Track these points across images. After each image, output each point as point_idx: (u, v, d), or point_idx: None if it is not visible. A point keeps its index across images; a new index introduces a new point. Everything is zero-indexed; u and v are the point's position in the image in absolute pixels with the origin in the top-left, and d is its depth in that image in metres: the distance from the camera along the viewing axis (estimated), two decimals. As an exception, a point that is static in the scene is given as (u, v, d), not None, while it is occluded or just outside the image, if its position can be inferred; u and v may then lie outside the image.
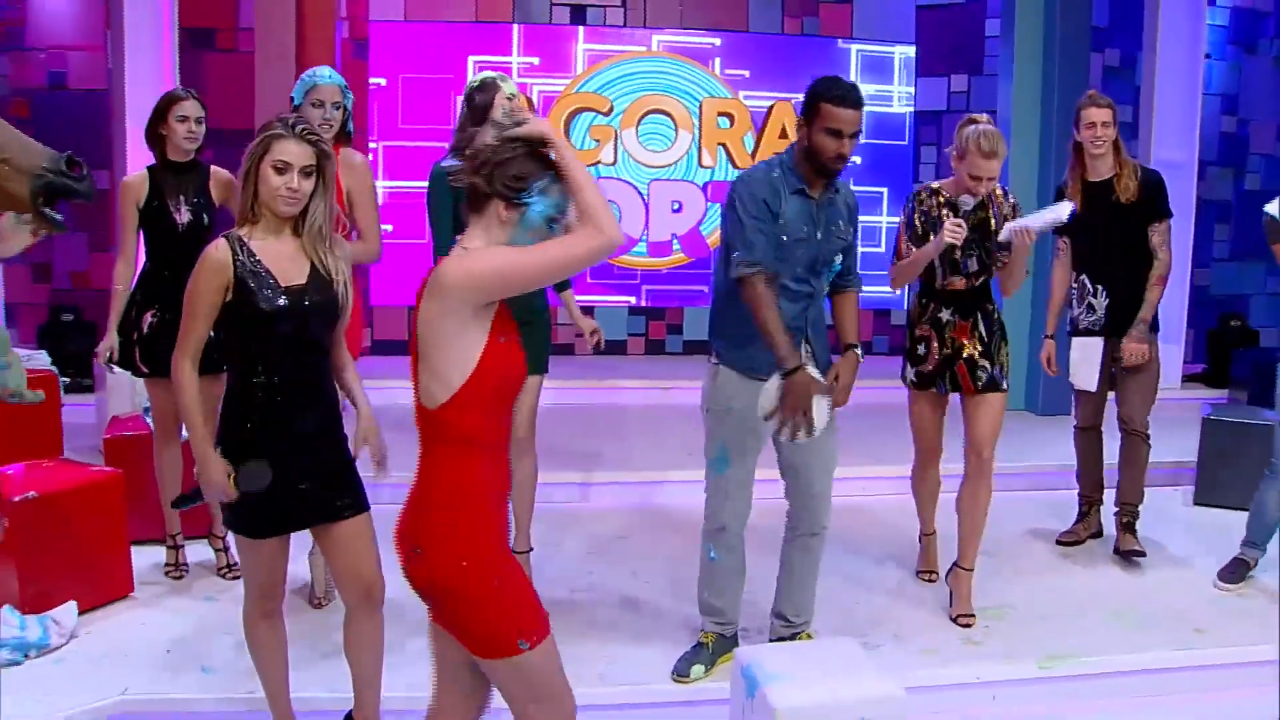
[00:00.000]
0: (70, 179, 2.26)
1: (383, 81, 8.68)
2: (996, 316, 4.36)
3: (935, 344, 4.33)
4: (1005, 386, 4.34)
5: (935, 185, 4.33)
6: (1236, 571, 4.78)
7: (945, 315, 4.33)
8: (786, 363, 3.37)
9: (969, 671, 3.94)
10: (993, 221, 4.24)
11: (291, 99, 4.14)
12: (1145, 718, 3.88)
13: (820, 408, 3.42)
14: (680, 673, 3.76)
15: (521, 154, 2.38)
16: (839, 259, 3.75)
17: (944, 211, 4.23)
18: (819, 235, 3.62)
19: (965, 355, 4.29)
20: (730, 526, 3.76)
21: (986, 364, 4.28)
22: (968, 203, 4.19)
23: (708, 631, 3.89)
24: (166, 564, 4.60)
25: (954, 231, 4.05)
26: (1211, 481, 5.99)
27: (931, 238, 4.18)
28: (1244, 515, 5.61)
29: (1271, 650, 4.13)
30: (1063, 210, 4.19)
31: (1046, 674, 3.97)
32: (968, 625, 4.27)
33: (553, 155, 2.38)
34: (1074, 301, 5.09)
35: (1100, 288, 4.94)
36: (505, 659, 2.40)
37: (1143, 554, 4.95)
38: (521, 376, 2.48)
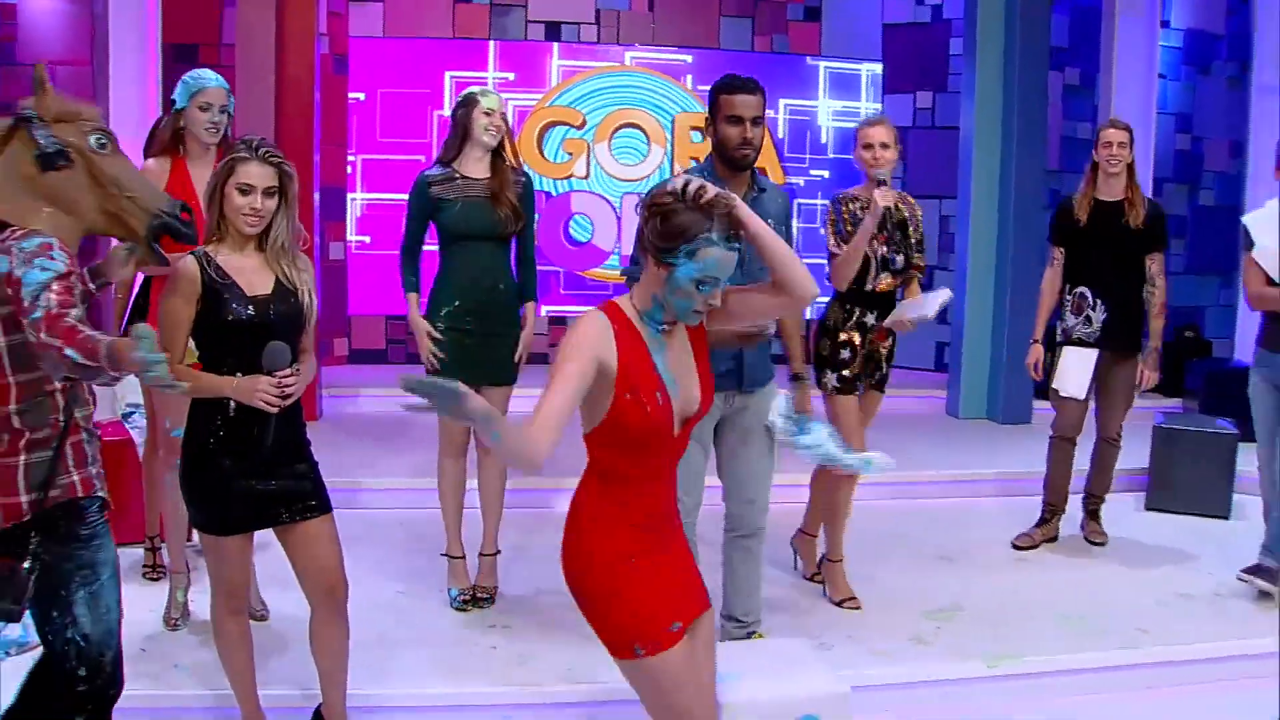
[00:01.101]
0: (181, 224, 2.73)
1: (362, 96, 8.82)
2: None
3: (859, 347, 4.47)
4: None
5: (852, 191, 4.52)
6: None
7: (870, 319, 4.48)
8: None
9: (919, 671, 4.06)
10: (909, 221, 4.49)
11: (173, 102, 4.11)
12: (1091, 715, 4.02)
13: (775, 406, 3.58)
14: None
15: (684, 212, 2.44)
16: None
17: (860, 209, 4.41)
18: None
19: (878, 357, 4.52)
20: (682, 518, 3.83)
21: (884, 365, 4.54)
22: (881, 174, 4.35)
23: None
24: (144, 565, 4.69)
25: (884, 194, 4.24)
26: (1163, 487, 6.18)
27: None
28: (1194, 520, 5.84)
29: (1214, 649, 4.33)
30: (936, 301, 4.34)
31: (994, 673, 4.09)
32: (856, 607, 4.52)
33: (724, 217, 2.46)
34: (1068, 312, 5.26)
35: (1100, 302, 5.16)
36: (623, 660, 2.60)
37: (1103, 542, 5.38)
38: (659, 426, 2.55)
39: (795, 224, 3.95)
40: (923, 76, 9.17)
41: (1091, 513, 5.51)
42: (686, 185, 2.46)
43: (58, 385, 2.63)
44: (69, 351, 2.33)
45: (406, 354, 8.74)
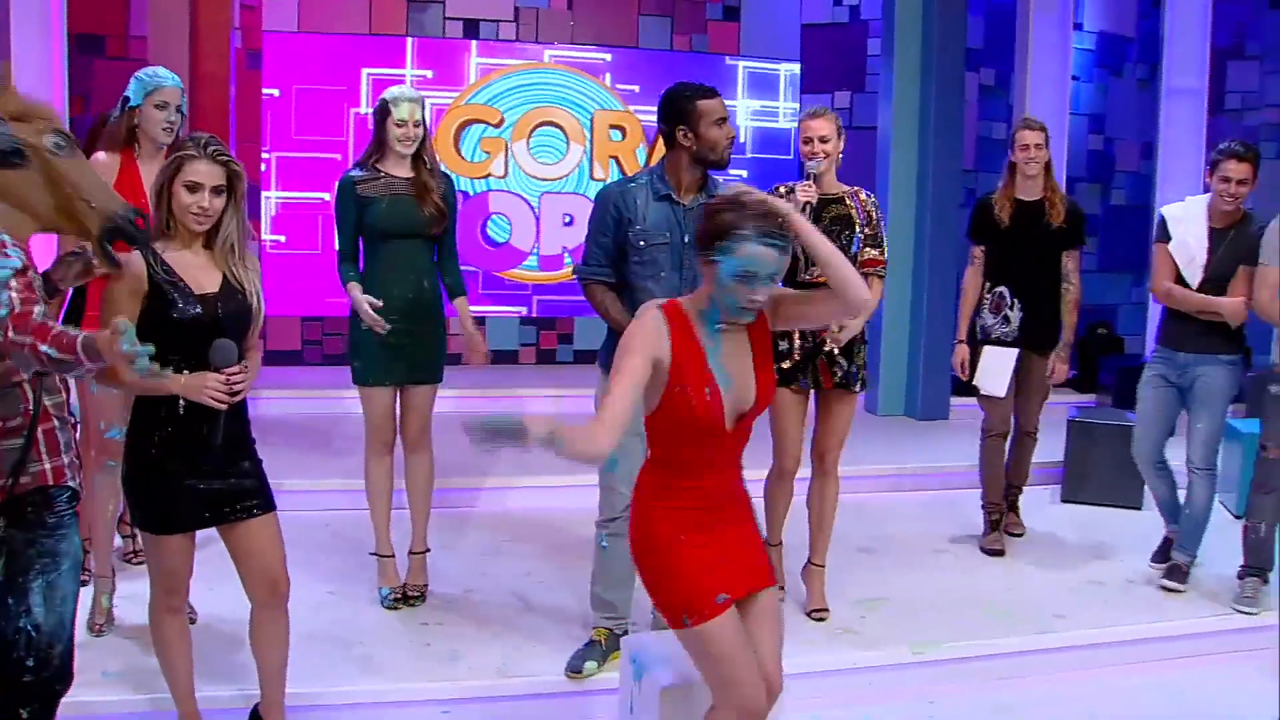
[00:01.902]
0: (134, 229, 2.74)
1: (276, 92, 8.68)
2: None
3: (797, 339, 4.34)
4: (859, 388, 4.43)
5: (790, 184, 4.44)
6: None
7: None
8: None
9: (847, 658, 4.14)
10: (855, 217, 4.38)
11: (126, 99, 4.05)
12: (1010, 697, 4.12)
13: None
14: (574, 669, 3.86)
15: (726, 212, 2.64)
16: None
17: (793, 198, 4.33)
18: (685, 239, 3.73)
19: (826, 350, 4.34)
20: (621, 516, 3.77)
21: (844, 361, 4.34)
22: (814, 167, 4.34)
23: (600, 628, 3.98)
24: (126, 551, 4.63)
25: (805, 190, 4.23)
26: (1077, 479, 6.34)
27: None
28: (1107, 511, 5.99)
29: (1125, 632, 4.47)
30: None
31: (919, 659, 4.18)
32: (821, 619, 4.43)
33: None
34: (985, 311, 5.30)
35: (1018, 301, 5.21)
36: (677, 630, 2.77)
37: (1022, 534, 5.48)
38: (709, 420, 2.71)
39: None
40: (841, 77, 9.29)
41: (1010, 504, 5.58)
42: (735, 190, 2.71)
43: (25, 376, 2.60)
44: (44, 348, 2.32)
45: (322, 355, 8.64)
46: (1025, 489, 5.71)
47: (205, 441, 2.99)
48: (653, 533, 2.80)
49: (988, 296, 5.30)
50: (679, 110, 3.76)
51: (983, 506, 5.49)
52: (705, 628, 2.71)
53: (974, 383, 5.32)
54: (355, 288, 4.31)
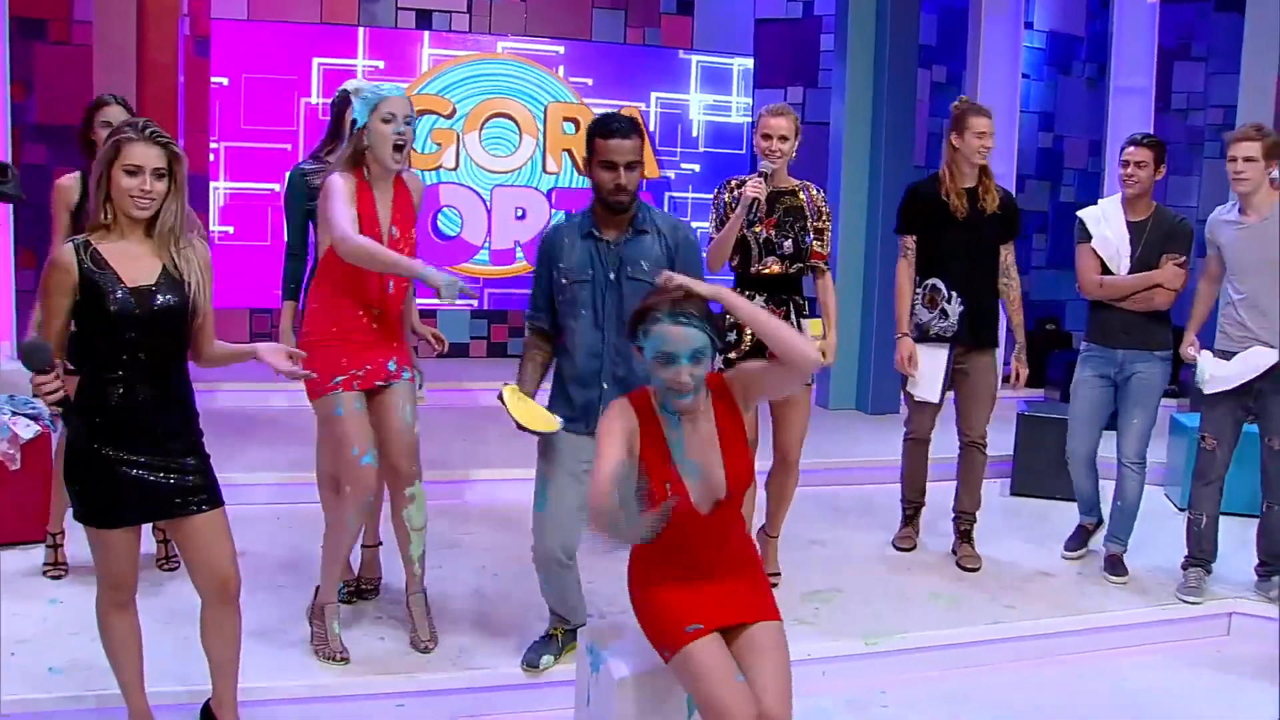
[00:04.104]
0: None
1: (225, 81, 8.55)
2: (808, 311, 4.51)
3: (748, 331, 4.32)
4: (812, 381, 4.44)
5: (741, 178, 4.47)
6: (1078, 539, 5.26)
7: (759, 301, 4.38)
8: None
9: (801, 649, 4.08)
10: (806, 210, 4.43)
11: (354, 121, 3.78)
12: (961, 686, 4.18)
13: None
14: (530, 663, 3.84)
15: (649, 299, 2.84)
16: None
17: (742, 192, 4.33)
18: (610, 276, 3.62)
19: None
20: (554, 557, 3.70)
21: None
22: (767, 166, 4.36)
23: (555, 626, 3.95)
24: (46, 563, 4.54)
25: (755, 186, 4.25)
26: (1026, 473, 6.44)
27: None
28: (1055, 504, 6.06)
29: (1073, 622, 4.54)
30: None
31: (872, 650, 4.23)
32: (773, 585, 4.45)
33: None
34: (919, 306, 5.01)
35: (955, 294, 4.95)
36: (666, 663, 2.91)
37: (977, 568, 5.07)
38: (678, 510, 2.79)
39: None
40: (794, 72, 9.31)
41: (964, 534, 5.24)
42: (664, 277, 2.91)
43: None
44: None
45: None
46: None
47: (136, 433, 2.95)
48: (637, 582, 2.98)
49: (919, 290, 5.01)
50: (586, 144, 3.68)
51: (900, 502, 5.45)
52: (684, 654, 2.81)
53: (906, 389, 5.11)
54: (288, 311, 4.33)
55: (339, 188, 3.66)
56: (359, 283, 3.79)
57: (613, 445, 2.77)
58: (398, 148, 3.74)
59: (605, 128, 3.60)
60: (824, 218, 4.50)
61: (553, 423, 3.63)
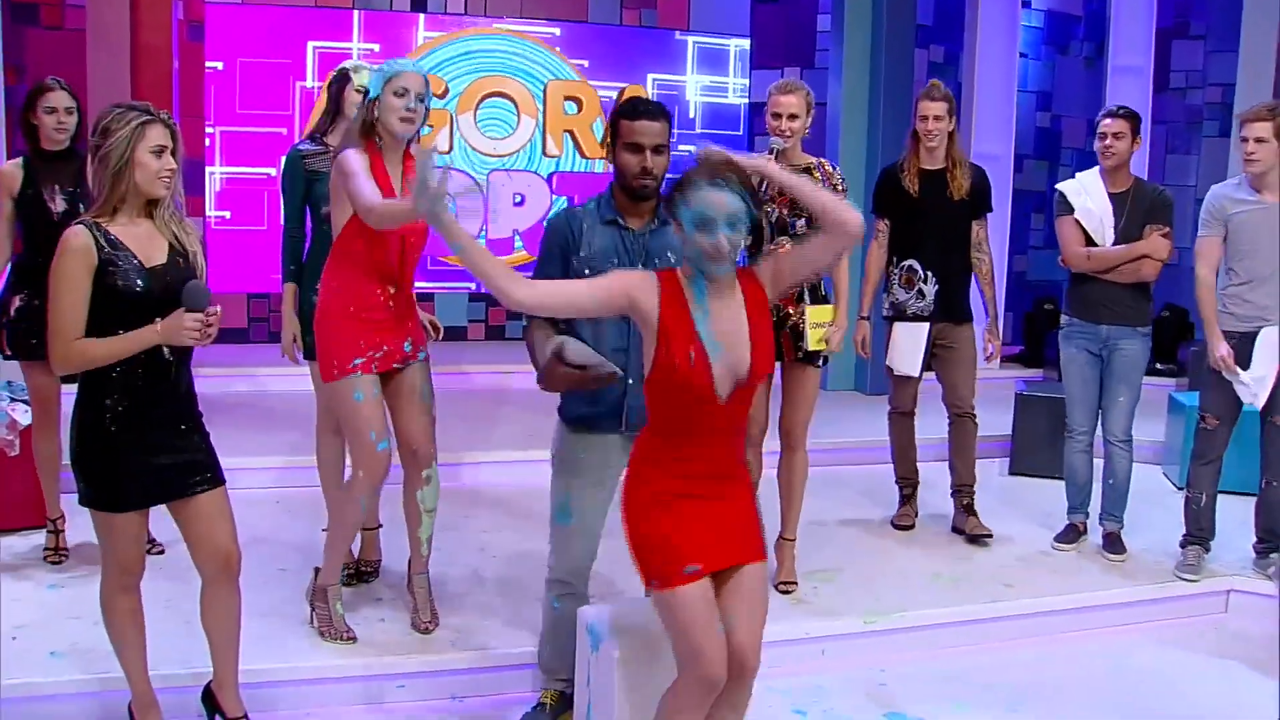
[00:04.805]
0: None
1: (220, 65, 8.53)
2: (821, 291, 4.46)
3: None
4: (820, 362, 4.43)
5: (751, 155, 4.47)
6: (1068, 535, 5.19)
7: None
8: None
9: (800, 628, 4.18)
10: (822, 186, 4.40)
11: (366, 91, 3.72)
12: (960, 665, 4.20)
13: None
14: None
15: (688, 173, 2.74)
16: None
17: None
18: (639, 267, 3.34)
19: (790, 323, 4.33)
20: (570, 581, 3.53)
21: (808, 334, 4.33)
22: (778, 143, 4.32)
23: (549, 690, 3.66)
24: (46, 548, 4.54)
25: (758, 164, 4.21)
26: (1025, 452, 6.46)
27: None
28: (1054, 483, 6.05)
29: (1071, 600, 4.55)
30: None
31: (871, 628, 4.24)
32: (788, 592, 4.45)
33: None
34: (896, 286, 5.14)
35: (930, 274, 5.07)
36: (647, 592, 2.88)
37: (989, 535, 5.13)
38: (695, 385, 2.73)
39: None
40: (791, 53, 9.28)
41: (966, 506, 5.26)
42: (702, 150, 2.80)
43: None
44: None
45: (268, 332, 8.54)
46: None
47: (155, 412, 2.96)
48: (636, 497, 2.85)
49: (895, 271, 5.13)
50: (610, 126, 3.45)
51: (896, 482, 5.47)
52: (671, 596, 2.74)
53: (887, 362, 5.19)
54: (289, 294, 4.31)
55: (356, 163, 3.60)
56: (381, 255, 3.75)
57: (585, 283, 2.88)
58: (405, 120, 3.71)
59: (632, 109, 3.36)
60: (841, 192, 4.41)
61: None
